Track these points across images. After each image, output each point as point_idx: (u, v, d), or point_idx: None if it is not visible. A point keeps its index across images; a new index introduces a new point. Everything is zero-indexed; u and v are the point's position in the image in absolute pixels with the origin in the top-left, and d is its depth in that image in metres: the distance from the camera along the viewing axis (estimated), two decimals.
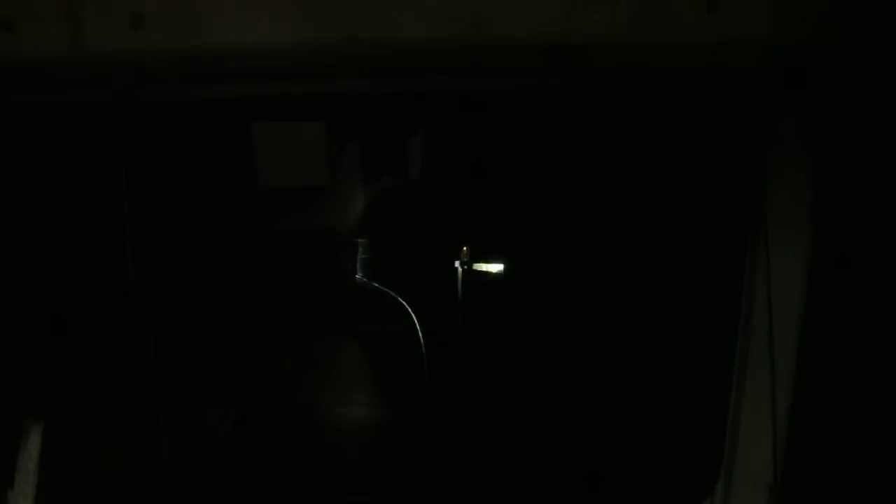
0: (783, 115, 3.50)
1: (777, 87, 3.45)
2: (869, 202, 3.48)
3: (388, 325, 5.29)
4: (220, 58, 3.21)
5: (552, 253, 5.59)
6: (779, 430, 3.66)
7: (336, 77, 3.43)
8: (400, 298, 5.39)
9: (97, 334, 4.48)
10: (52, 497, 3.84)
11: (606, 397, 5.06)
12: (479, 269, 5.10)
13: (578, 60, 3.28)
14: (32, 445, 3.78)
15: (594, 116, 4.96)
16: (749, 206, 3.65)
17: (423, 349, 5.12)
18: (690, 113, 4.17)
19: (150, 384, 3.86)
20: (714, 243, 4.12)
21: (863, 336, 3.60)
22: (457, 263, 5.35)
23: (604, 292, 5.28)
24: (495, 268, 5.15)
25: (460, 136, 5.76)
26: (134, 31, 3.10)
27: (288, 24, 3.12)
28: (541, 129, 5.30)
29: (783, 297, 3.63)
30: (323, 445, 5.36)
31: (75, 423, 4.21)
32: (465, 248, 5.11)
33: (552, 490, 4.85)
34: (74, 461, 4.13)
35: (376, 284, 5.46)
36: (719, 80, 3.48)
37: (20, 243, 4.31)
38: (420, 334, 5.14)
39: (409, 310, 5.23)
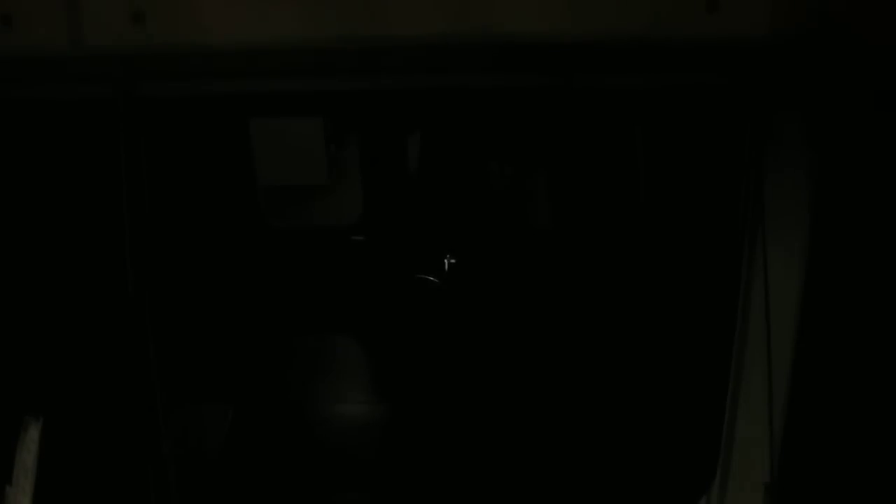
0: (782, 115, 3.51)
1: (776, 87, 3.45)
2: (866, 201, 3.49)
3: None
4: (220, 55, 3.21)
5: (548, 248, 5.61)
6: (775, 429, 3.67)
7: (336, 75, 3.43)
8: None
9: (96, 330, 4.48)
10: (50, 493, 3.84)
11: (602, 397, 5.07)
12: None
13: (578, 59, 3.29)
14: (31, 441, 3.77)
15: (593, 115, 4.96)
16: (747, 204, 3.66)
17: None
18: (690, 112, 4.17)
19: (149, 380, 3.86)
20: (712, 242, 4.12)
21: (859, 336, 3.61)
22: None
23: (600, 291, 5.29)
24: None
25: (459, 135, 5.77)
26: (134, 27, 3.11)
27: (288, 21, 3.12)
28: (540, 127, 5.31)
29: (780, 297, 3.63)
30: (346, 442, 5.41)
31: (74, 420, 4.21)
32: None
33: (548, 489, 4.85)
34: (73, 457, 4.13)
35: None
36: (719, 79, 3.48)
37: (19, 239, 4.31)
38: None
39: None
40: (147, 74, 3.39)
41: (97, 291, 4.45)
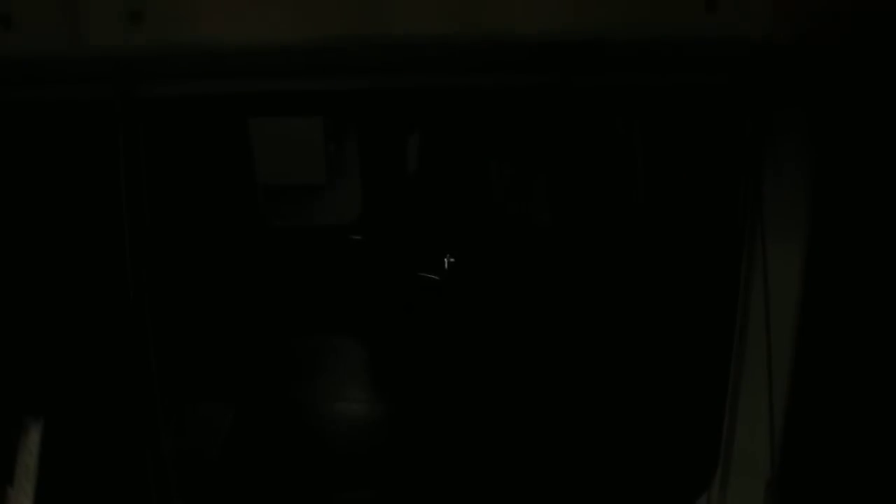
0: (781, 114, 3.51)
1: (775, 86, 3.46)
2: (865, 200, 3.49)
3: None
4: (219, 54, 3.21)
5: (548, 247, 5.61)
6: (776, 423, 3.67)
7: (335, 74, 3.43)
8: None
9: (96, 331, 4.48)
10: (52, 494, 3.84)
11: (604, 391, 5.08)
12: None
13: (577, 58, 3.29)
14: (32, 442, 3.78)
15: (592, 114, 4.97)
16: (746, 203, 3.66)
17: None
18: (689, 111, 4.18)
19: (149, 380, 3.87)
20: (711, 241, 4.13)
21: (859, 331, 3.62)
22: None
23: (600, 289, 5.30)
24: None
25: (459, 134, 5.77)
26: (133, 28, 3.10)
27: (287, 20, 3.12)
28: (539, 127, 5.32)
29: (780, 293, 3.64)
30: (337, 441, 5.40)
31: (75, 420, 4.21)
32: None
33: (549, 483, 4.86)
34: (74, 458, 4.13)
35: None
36: (718, 78, 3.49)
37: (19, 240, 4.31)
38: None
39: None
40: (146, 74, 3.39)
41: (97, 291, 4.45)
